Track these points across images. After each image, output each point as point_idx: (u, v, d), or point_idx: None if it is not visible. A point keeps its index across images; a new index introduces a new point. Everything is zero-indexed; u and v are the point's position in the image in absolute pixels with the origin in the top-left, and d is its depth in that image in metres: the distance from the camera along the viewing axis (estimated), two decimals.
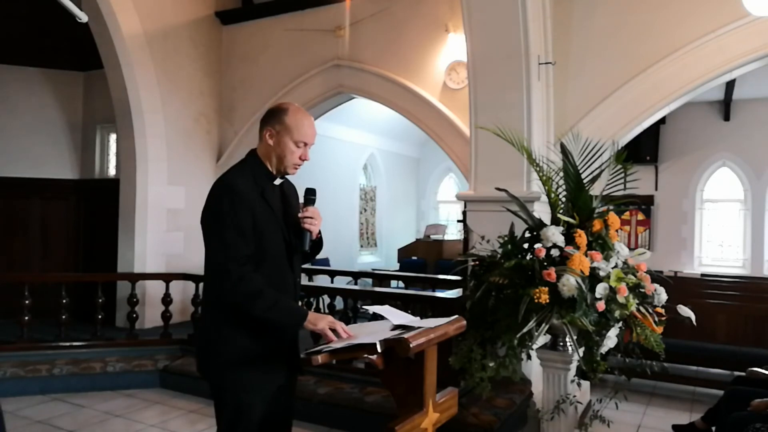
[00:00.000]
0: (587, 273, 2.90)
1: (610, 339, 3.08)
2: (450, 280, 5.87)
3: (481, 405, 4.16)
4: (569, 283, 2.82)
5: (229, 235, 2.05)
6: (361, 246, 11.05)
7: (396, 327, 2.08)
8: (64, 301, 5.62)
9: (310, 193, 2.27)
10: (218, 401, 2.19)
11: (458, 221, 8.34)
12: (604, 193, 3.34)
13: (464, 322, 2.22)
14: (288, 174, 2.27)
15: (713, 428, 4.14)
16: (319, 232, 2.30)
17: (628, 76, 4.97)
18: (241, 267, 2.04)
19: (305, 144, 2.20)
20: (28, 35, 7.19)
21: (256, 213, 2.10)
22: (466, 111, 4.90)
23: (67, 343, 5.58)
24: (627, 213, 9.04)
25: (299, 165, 2.23)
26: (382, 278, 7.10)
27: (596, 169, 3.37)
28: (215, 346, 2.14)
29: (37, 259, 7.54)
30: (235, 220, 2.05)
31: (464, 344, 3.20)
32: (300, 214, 2.22)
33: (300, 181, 2.42)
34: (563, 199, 3.31)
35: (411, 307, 4.67)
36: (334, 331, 2.08)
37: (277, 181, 2.26)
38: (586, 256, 2.95)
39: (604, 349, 3.12)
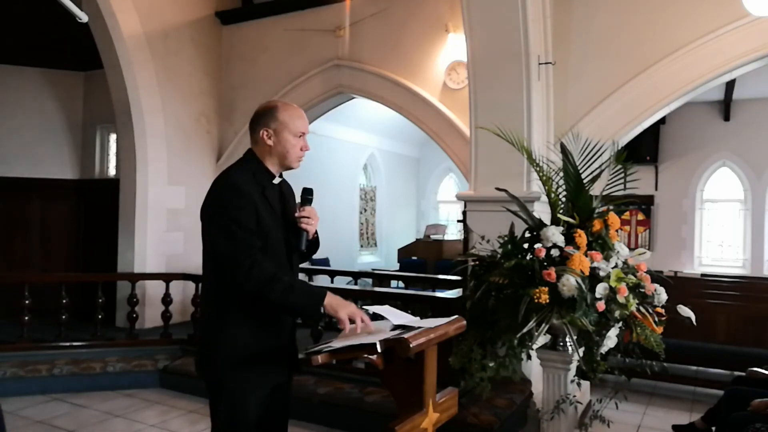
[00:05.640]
0: (587, 273, 2.90)
1: (610, 339, 3.08)
2: (450, 280, 5.87)
3: (481, 405, 4.15)
4: (569, 283, 2.82)
5: (235, 228, 2.04)
6: (361, 246, 11.06)
7: (396, 327, 2.08)
8: (64, 301, 5.61)
9: (307, 193, 2.28)
10: (214, 400, 2.17)
11: (458, 221, 8.33)
12: (604, 193, 3.34)
13: (464, 322, 2.22)
14: (293, 168, 2.28)
15: (713, 428, 4.13)
16: (316, 232, 2.31)
17: (628, 76, 4.97)
18: (251, 256, 2.03)
19: (303, 134, 2.23)
20: (28, 35, 7.19)
21: (260, 211, 2.11)
22: (466, 111, 4.90)
23: (67, 343, 5.58)
24: (627, 213, 9.04)
25: (302, 157, 2.26)
26: (382, 278, 7.10)
27: (596, 169, 3.37)
28: (216, 345, 2.13)
29: (37, 259, 7.55)
30: (240, 216, 2.05)
31: (464, 344, 3.20)
32: (297, 214, 2.24)
33: (300, 180, 2.43)
34: (563, 199, 3.31)
35: (411, 307, 4.67)
36: (352, 322, 2.04)
37: (276, 181, 2.27)
38: (586, 256, 2.95)
39: (604, 349, 3.12)
